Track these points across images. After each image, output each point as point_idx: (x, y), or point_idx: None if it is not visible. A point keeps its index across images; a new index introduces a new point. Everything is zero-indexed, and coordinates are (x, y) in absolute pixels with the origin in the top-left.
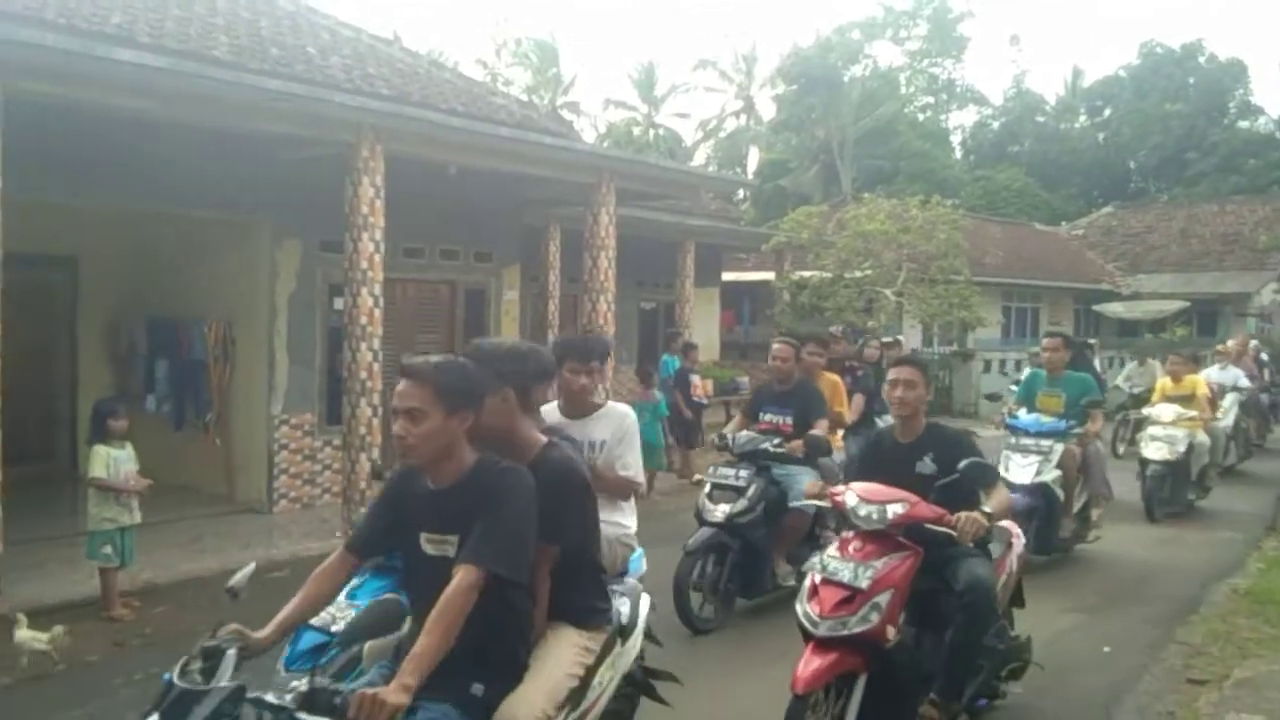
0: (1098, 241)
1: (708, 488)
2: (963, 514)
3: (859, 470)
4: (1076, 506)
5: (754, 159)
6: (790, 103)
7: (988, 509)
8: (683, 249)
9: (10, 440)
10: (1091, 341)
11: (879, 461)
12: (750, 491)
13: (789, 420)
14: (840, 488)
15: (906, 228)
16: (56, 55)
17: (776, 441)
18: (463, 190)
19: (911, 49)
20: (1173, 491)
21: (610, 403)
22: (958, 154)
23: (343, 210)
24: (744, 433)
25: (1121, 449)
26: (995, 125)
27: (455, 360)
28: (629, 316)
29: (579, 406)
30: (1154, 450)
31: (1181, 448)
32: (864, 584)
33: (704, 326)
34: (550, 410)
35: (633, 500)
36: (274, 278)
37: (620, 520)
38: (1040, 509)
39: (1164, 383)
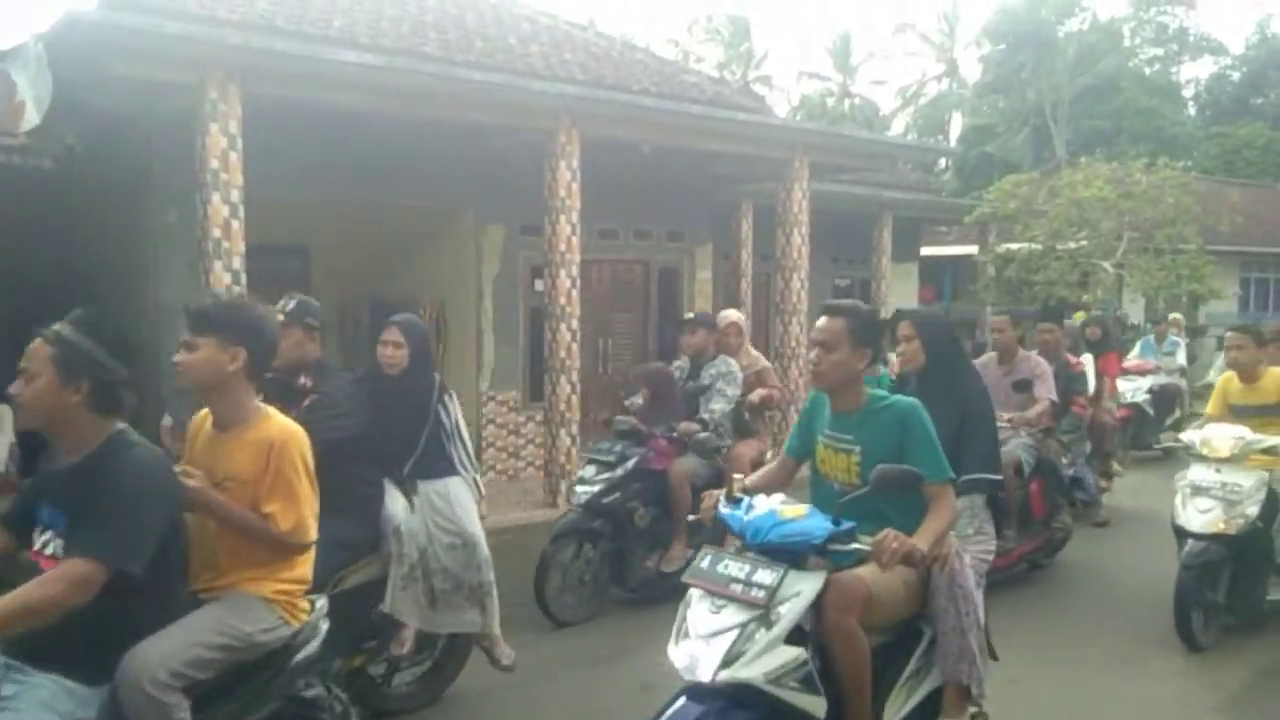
0: None
1: None
2: None
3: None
4: None
5: (957, 125)
6: (997, 63)
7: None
8: (879, 222)
9: None
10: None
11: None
12: None
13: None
14: None
15: (1129, 193)
16: (289, 59)
17: None
18: (655, 171)
19: None
20: (1232, 591)
21: None
22: (1190, 110)
23: (541, 194)
24: None
25: None
26: (1235, 76)
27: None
28: (823, 293)
29: None
30: (1196, 514)
31: (1250, 508)
32: None
33: (902, 303)
34: None
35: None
36: (479, 261)
37: None
38: None
39: (1225, 382)
